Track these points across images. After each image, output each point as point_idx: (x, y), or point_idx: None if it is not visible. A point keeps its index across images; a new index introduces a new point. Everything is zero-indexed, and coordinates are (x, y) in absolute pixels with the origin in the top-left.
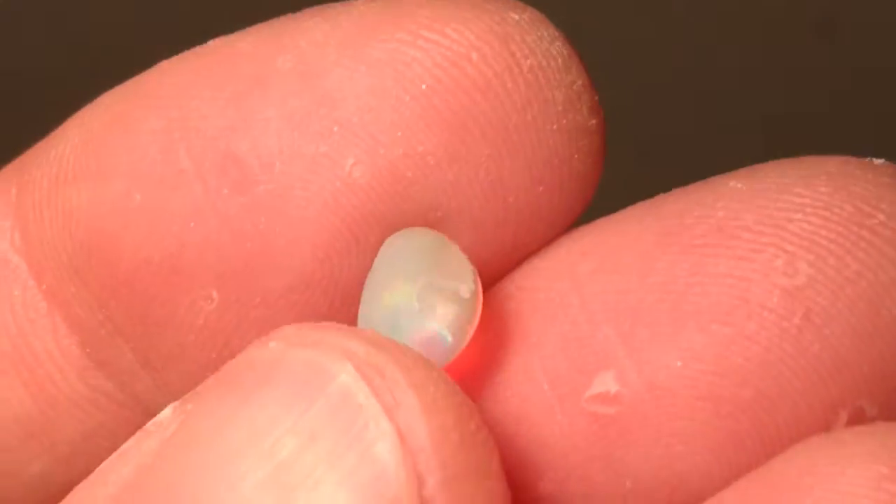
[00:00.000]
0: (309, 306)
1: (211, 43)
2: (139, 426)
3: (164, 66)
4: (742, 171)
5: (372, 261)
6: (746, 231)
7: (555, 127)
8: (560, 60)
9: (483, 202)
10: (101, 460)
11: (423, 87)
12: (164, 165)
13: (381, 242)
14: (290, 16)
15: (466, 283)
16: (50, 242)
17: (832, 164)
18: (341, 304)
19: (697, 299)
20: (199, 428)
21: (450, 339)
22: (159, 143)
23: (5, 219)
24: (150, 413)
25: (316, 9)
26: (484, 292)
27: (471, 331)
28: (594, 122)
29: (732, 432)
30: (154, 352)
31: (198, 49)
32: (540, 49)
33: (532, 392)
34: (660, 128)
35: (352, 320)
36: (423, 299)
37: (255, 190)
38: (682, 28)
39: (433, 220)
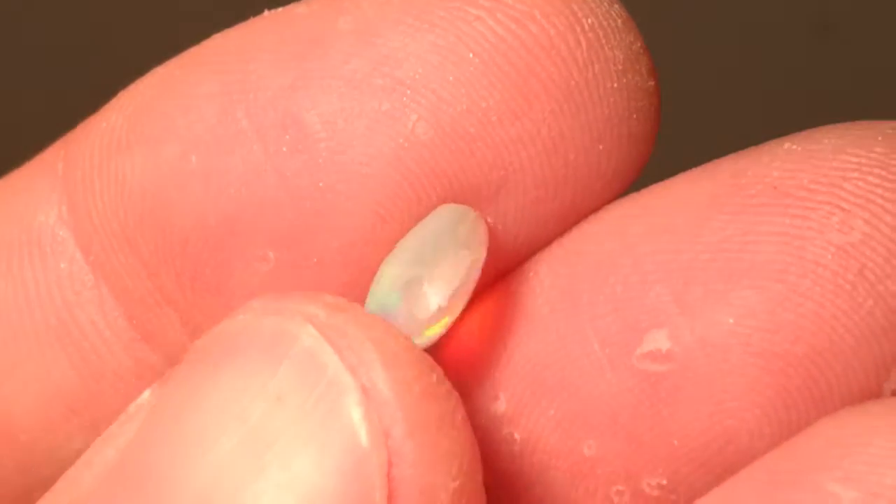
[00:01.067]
0: (365, 264)
1: (266, 13)
2: None
3: (218, 37)
4: (797, 135)
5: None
6: (801, 190)
7: (615, 86)
8: (620, 21)
9: (544, 159)
10: None
11: (486, 45)
12: (221, 127)
13: (442, 200)
14: None
15: (447, 291)
16: (100, 213)
17: (887, 127)
18: None
19: (751, 257)
20: (172, 403)
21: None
22: (216, 106)
23: (52, 192)
24: None
25: None
26: (537, 254)
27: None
28: (652, 83)
29: (783, 389)
30: (205, 318)
31: (253, 19)
32: (601, 9)
33: (582, 353)
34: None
35: None
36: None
37: (315, 148)
38: (682, 27)
39: (496, 178)
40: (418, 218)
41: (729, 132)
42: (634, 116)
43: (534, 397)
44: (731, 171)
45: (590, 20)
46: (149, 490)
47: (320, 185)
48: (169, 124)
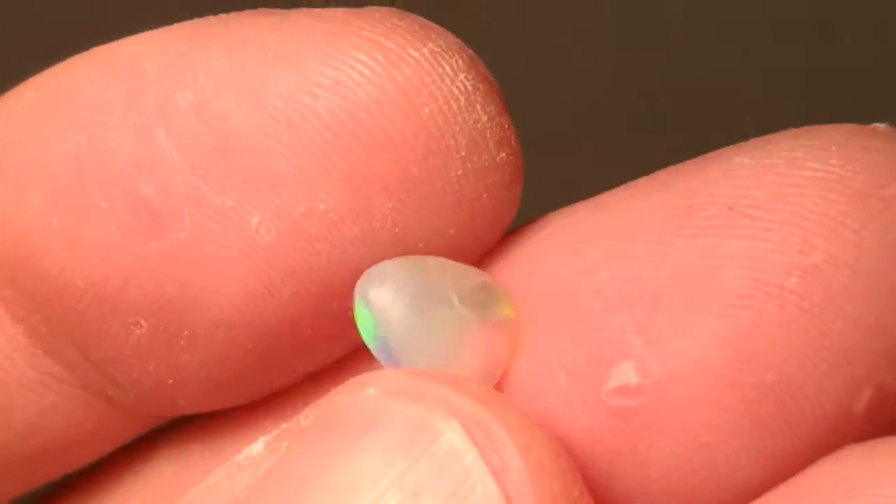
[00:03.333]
0: (235, 345)
1: (122, 48)
2: (93, 405)
3: (76, 68)
4: (746, 145)
5: (289, 308)
6: (758, 209)
7: (459, 172)
8: (462, 99)
9: (392, 252)
10: (58, 434)
11: (321, 141)
12: (77, 195)
13: (296, 294)
14: (195, 30)
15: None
16: None
17: (839, 134)
18: (267, 346)
19: (714, 283)
20: (297, 467)
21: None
22: (71, 171)
23: None
24: (103, 395)
25: (218, 25)
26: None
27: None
28: (503, 154)
29: (758, 418)
30: (94, 354)
31: (109, 51)
32: (441, 91)
33: (550, 387)
34: (658, 126)
35: (276, 361)
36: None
37: (169, 236)
38: (682, 27)
39: (345, 273)
40: (277, 307)
41: (729, 132)
42: (485, 195)
43: None
44: (685, 189)
45: (428, 108)
46: None
47: (178, 271)
48: (30, 177)
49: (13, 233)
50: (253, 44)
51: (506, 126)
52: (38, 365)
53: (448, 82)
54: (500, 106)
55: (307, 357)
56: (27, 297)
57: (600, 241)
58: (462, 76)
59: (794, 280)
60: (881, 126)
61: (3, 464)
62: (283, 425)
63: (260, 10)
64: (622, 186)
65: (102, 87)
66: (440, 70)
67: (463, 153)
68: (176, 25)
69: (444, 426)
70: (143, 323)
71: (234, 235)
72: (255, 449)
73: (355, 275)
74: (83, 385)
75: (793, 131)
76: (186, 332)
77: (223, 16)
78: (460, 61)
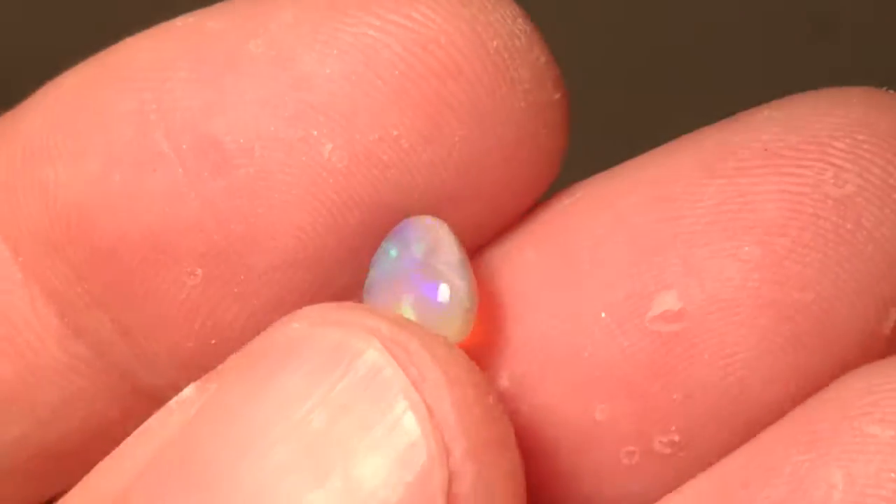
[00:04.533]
0: (292, 283)
1: (179, 21)
2: (118, 392)
3: (131, 43)
4: (771, 105)
5: (352, 241)
6: (792, 150)
7: (522, 105)
8: (524, 38)
9: (457, 181)
10: (80, 424)
11: (395, 72)
12: (141, 147)
13: (361, 224)
14: None
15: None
16: (25, 217)
17: (859, 92)
18: (324, 282)
19: (752, 216)
20: (224, 403)
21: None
22: (135, 125)
23: None
24: (129, 379)
25: None
26: (514, 237)
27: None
28: (558, 96)
29: (794, 335)
30: (135, 322)
31: (165, 26)
32: (505, 29)
33: (590, 322)
34: (656, 126)
35: (334, 297)
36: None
37: (235, 173)
38: (682, 25)
39: (411, 200)
40: (341, 239)
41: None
42: (543, 132)
43: (540, 371)
44: (718, 139)
45: (495, 42)
46: (198, 486)
47: (242, 208)
48: (89, 139)
49: (65, 199)
50: None
51: (558, 73)
52: (68, 347)
53: (510, 23)
54: (551, 56)
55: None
56: (71, 266)
57: (632, 194)
58: (520, 20)
59: (828, 209)
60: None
61: (21, 461)
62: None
63: None
64: (647, 153)
65: (164, 50)
66: (503, 13)
67: (526, 86)
68: None
69: (365, 345)
70: (199, 272)
71: (305, 165)
72: (186, 393)
73: (418, 206)
74: (112, 369)
75: (812, 92)
76: (242, 278)
77: None
78: (515, 9)
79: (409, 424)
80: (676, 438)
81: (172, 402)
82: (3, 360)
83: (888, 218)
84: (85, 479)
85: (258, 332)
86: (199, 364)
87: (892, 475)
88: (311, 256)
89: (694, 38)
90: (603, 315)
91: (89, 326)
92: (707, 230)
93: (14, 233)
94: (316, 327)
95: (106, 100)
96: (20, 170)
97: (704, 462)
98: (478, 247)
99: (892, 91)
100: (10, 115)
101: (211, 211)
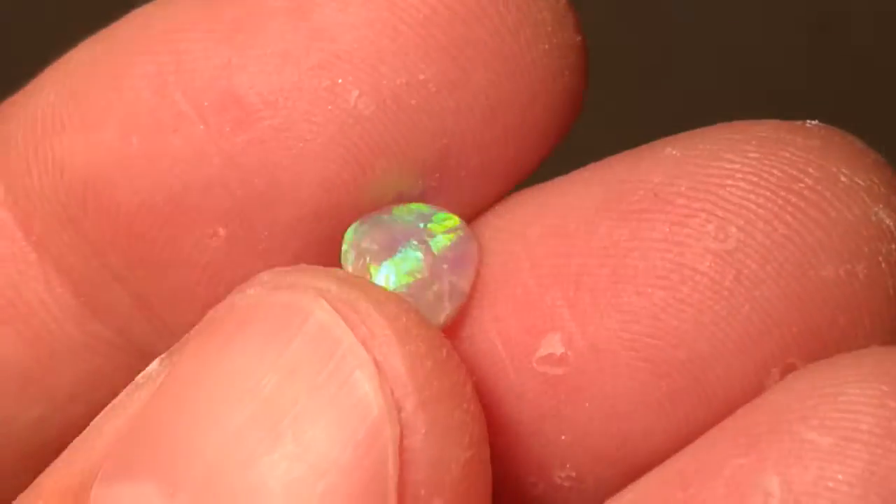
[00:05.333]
0: (316, 236)
1: None
2: (137, 370)
3: (141, 14)
4: (680, 137)
5: (378, 190)
6: (680, 197)
7: (546, 46)
8: None
9: (485, 125)
10: (99, 404)
11: (420, 16)
12: (160, 109)
13: (386, 173)
14: None
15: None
16: (39, 194)
17: (764, 129)
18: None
19: (636, 263)
20: (184, 375)
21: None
22: (153, 88)
23: None
24: (147, 357)
25: None
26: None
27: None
28: (579, 38)
29: (670, 391)
30: (156, 294)
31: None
32: None
33: (487, 350)
34: (655, 125)
35: None
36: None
37: (258, 126)
38: (682, 25)
39: (439, 147)
40: (364, 188)
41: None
42: (566, 73)
43: None
44: (618, 175)
45: None
46: (161, 458)
47: (266, 161)
48: (105, 107)
49: (82, 170)
50: None
51: (577, 16)
52: (85, 326)
53: None
54: (568, 2)
55: None
56: (88, 240)
57: (540, 221)
58: None
59: (707, 263)
60: (810, 123)
61: (41, 442)
62: None
63: None
64: (571, 173)
65: (178, 14)
66: None
67: (549, 28)
68: None
69: (313, 306)
70: (221, 232)
71: (330, 114)
72: (152, 367)
73: (445, 154)
74: (131, 346)
75: (722, 125)
76: (266, 234)
77: None
78: None
79: (359, 382)
80: (573, 474)
81: (139, 377)
82: (19, 342)
83: (769, 276)
84: (59, 457)
85: None
86: None
87: (829, 484)
88: (335, 207)
89: (694, 38)
90: (499, 347)
91: (107, 303)
92: (593, 274)
93: (27, 210)
94: (269, 292)
95: (121, 67)
96: (33, 146)
97: (609, 491)
98: (502, 194)
99: (806, 124)
100: (19, 95)
101: (233, 167)
